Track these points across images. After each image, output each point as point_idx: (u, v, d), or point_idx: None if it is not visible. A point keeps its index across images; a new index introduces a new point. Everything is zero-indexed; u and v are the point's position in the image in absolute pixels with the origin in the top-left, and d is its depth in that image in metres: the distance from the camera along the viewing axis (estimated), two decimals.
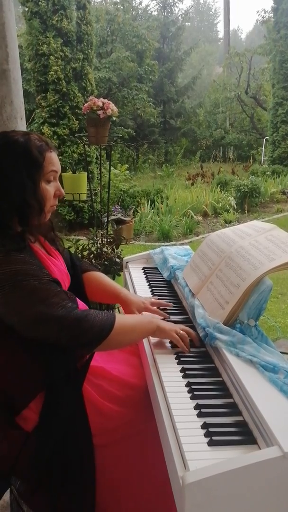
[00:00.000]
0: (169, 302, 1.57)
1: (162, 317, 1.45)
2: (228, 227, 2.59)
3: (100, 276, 1.56)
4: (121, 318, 1.23)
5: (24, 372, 1.19)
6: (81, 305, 1.40)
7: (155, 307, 1.48)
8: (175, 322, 1.42)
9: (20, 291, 1.10)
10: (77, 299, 1.38)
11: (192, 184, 9.70)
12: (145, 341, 1.33)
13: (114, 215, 5.69)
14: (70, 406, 1.20)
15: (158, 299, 1.59)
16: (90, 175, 6.51)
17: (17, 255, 1.13)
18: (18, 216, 1.20)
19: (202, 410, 1.01)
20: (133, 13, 15.98)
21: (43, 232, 1.34)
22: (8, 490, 1.38)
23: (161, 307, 1.50)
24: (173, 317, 1.47)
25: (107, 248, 3.02)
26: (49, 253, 1.34)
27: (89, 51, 7.00)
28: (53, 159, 1.24)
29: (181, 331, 1.28)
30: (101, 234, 3.31)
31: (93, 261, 2.93)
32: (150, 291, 1.71)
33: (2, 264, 1.11)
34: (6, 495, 1.44)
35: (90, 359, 1.29)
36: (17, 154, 1.18)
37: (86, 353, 1.26)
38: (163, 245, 2.10)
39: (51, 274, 1.21)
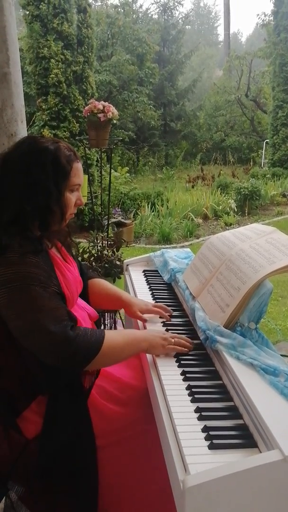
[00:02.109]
0: (170, 304, 1.57)
1: (164, 319, 1.46)
2: (228, 229, 2.59)
3: (102, 282, 1.57)
4: (110, 339, 1.18)
5: (26, 373, 1.19)
6: (92, 312, 1.41)
7: (157, 309, 1.48)
8: (176, 325, 1.42)
9: (24, 295, 1.10)
10: (88, 308, 1.40)
11: (193, 186, 9.72)
12: None
13: (114, 217, 5.70)
14: (72, 417, 1.19)
15: (158, 302, 1.59)
16: (91, 178, 6.51)
17: (32, 258, 1.14)
18: (39, 220, 1.21)
19: (203, 413, 1.01)
20: (134, 16, 16.03)
21: (61, 238, 1.35)
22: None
23: (160, 317, 1.49)
24: (173, 320, 1.47)
25: (107, 251, 3.02)
26: (64, 259, 1.35)
27: (90, 54, 7.01)
28: (79, 170, 1.27)
29: (173, 340, 1.26)
30: (102, 236, 3.32)
31: (93, 264, 2.93)
32: (151, 294, 1.70)
33: (16, 264, 1.12)
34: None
35: (96, 376, 1.27)
36: (46, 161, 1.19)
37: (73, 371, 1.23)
38: (164, 248, 2.10)
39: (61, 285, 1.21)
